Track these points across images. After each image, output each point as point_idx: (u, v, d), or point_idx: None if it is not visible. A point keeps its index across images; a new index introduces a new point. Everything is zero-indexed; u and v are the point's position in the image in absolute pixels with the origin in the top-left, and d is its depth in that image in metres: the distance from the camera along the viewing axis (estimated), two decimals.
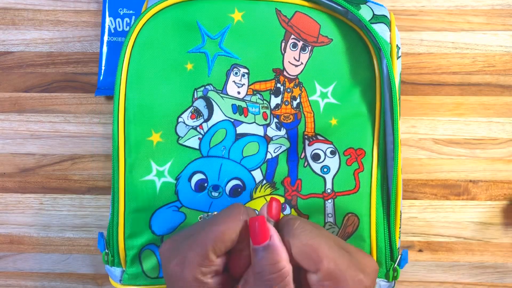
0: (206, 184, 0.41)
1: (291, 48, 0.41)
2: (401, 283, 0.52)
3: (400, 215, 0.42)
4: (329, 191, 0.42)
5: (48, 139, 0.52)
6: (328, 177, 0.42)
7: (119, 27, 0.50)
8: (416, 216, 0.52)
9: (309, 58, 0.41)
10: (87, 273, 0.52)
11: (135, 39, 0.41)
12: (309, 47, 0.41)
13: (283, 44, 0.41)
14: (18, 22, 0.53)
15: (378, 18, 0.42)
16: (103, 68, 0.50)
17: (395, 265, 0.42)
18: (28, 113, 0.52)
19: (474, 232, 0.51)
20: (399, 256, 0.42)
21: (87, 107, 0.52)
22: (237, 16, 0.41)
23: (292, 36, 0.41)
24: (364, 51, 0.42)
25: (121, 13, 0.50)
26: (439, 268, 0.51)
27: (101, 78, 0.50)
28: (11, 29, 0.52)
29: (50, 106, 0.52)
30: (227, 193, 0.41)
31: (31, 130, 0.52)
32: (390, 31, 0.42)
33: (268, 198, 0.42)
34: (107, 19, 0.50)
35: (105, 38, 0.50)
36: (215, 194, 0.41)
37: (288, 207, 0.42)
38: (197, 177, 0.41)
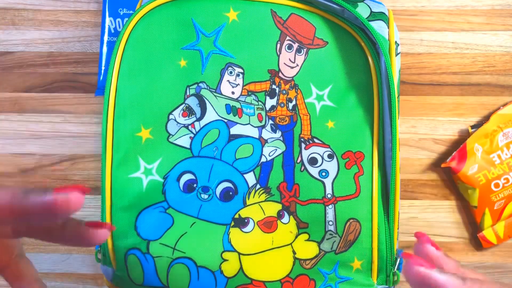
0: (195, 185, 0.41)
1: (287, 50, 0.41)
2: (402, 283, 0.52)
3: (398, 216, 0.42)
4: (329, 196, 0.41)
5: (48, 139, 0.52)
6: (328, 182, 0.41)
7: (119, 27, 0.50)
8: (416, 216, 0.52)
9: (304, 60, 0.41)
10: (87, 273, 0.52)
11: (129, 35, 0.41)
12: (305, 49, 0.41)
13: (278, 45, 0.41)
14: (18, 22, 0.53)
15: (376, 15, 0.41)
16: (103, 68, 0.50)
17: (395, 269, 0.41)
18: (28, 113, 0.52)
19: (474, 232, 0.51)
20: (398, 259, 0.42)
21: (87, 107, 0.52)
22: (232, 15, 0.41)
23: (288, 38, 0.41)
24: (360, 53, 0.41)
25: (121, 13, 0.50)
26: None
27: (101, 78, 0.50)
28: (11, 29, 0.52)
29: (50, 106, 0.52)
30: (218, 196, 0.41)
31: (31, 130, 0.52)
32: (388, 27, 0.41)
33: (263, 204, 0.41)
34: (107, 19, 0.50)
35: (105, 38, 0.50)
36: (204, 196, 0.41)
37: (286, 214, 0.41)
38: (186, 177, 0.41)
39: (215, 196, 0.41)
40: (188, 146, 0.41)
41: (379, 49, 0.40)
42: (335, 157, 0.41)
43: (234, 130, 0.41)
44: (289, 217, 0.41)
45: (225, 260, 0.41)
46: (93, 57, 0.52)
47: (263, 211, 0.41)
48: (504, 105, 0.50)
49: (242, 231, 0.41)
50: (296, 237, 0.41)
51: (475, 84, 0.51)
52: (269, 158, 0.41)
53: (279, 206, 0.41)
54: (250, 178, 0.41)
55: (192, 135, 0.41)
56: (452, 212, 0.51)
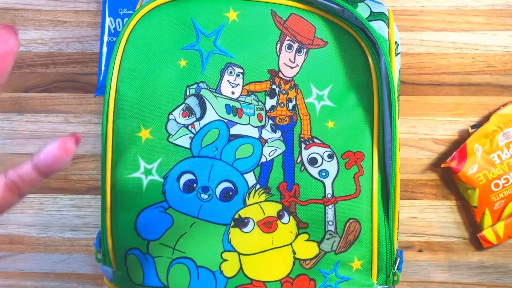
0: (195, 185, 0.41)
1: (287, 50, 0.41)
2: (401, 283, 0.52)
3: (398, 216, 0.42)
4: (329, 196, 0.41)
5: (48, 139, 0.52)
6: (328, 182, 0.41)
7: (119, 27, 0.50)
8: (416, 216, 0.52)
9: (304, 60, 0.41)
10: (87, 273, 0.52)
11: (129, 35, 0.41)
12: (305, 49, 0.41)
13: (278, 45, 0.41)
14: (18, 22, 0.53)
15: (376, 15, 0.42)
16: (103, 68, 0.50)
17: (395, 269, 0.41)
18: (28, 113, 0.52)
19: (474, 232, 0.51)
20: (398, 259, 0.42)
21: (87, 107, 0.52)
22: (232, 15, 0.41)
23: (287, 38, 0.41)
24: (360, 53, 0.41)
25: (121, 13, 0.50)
26: (439, 268, 0.51)
27: (101, 78, 0.50)
28: None
29: (50, 106, 0.52)
30: (218, 197, 0.41)
31: (31, 130, 0.52)
32: (388, 27, 0.41)
33: (263, 205, 0.41)
34: (107, 19, 0.50)
35: (105, 38, 0.50)
36: (204, 196, 0.41)
37: (286, 215, 0.41)
38: (186, 177, 0.41)
39: (215, 196, 0.41)
40: (188, 146, 0.41)
41: (379, 49, 0.40)
42: (335, 157, 0.41)
43: (234, 130, 0.41)
44: (289, 217, 0.41)
45: (225, 260, 0.41)
46: (93, 57, 0.52)
47: (263, 211, 0.41)
48: (504, 105, 0.50)
49: (242, 231, 0.41)
50: (296, 237, 0.41)
51: (475, 84, 0.51)
52: (269, 158, 0.41)
53: (279, 206, 0.41)
54: (250, 178, 0.41)
55: (192, 135, 0.41)
56: (452, 212, 0.51)
